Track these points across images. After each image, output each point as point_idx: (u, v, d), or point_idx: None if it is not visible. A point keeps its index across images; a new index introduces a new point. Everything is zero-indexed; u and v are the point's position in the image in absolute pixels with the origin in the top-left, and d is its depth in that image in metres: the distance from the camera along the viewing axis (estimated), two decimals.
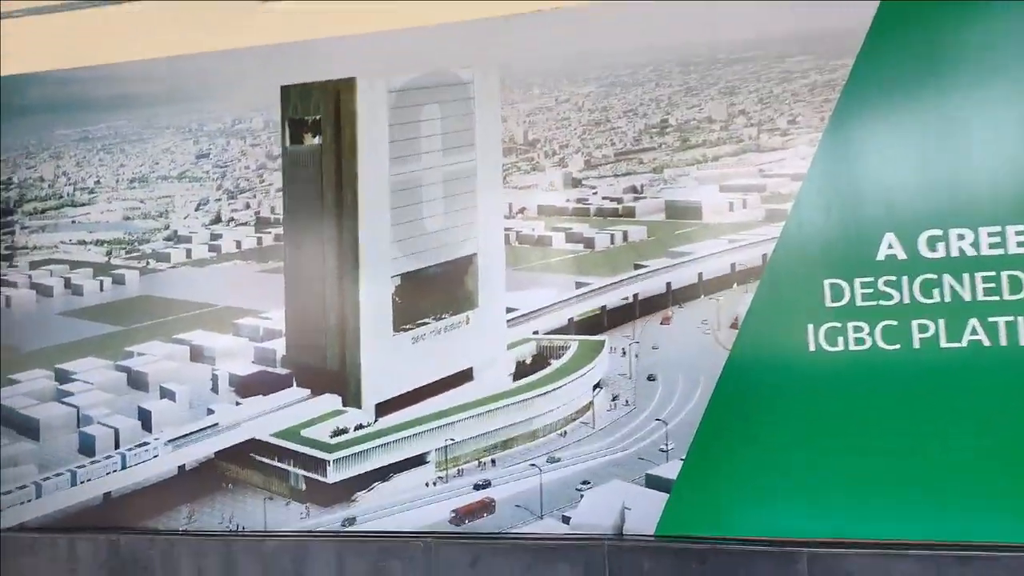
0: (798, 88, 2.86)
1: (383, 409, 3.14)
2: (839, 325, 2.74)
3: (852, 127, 2.77)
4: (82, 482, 3.34)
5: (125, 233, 3.57)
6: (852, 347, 2.73)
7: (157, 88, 3.53)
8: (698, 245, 2.93)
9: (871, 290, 2.72)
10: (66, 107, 3.63)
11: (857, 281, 2.73)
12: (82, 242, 3.62)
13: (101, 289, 3.55)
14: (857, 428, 2.70)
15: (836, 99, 2.78)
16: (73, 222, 3.64)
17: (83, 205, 3.63)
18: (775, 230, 2.81)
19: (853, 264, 2.73)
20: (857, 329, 2.73)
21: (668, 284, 2.94)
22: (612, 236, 3.04)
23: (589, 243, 3.06)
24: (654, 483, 2.85)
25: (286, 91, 3.30)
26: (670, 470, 2.83)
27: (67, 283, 3.59)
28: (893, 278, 2.71)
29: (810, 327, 2.76)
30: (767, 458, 2.76)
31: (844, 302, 2.74)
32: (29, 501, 3.38)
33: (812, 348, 2.75)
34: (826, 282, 2.76)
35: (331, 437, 3.15)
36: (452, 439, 3.06)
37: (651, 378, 2.92)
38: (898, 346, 2.69)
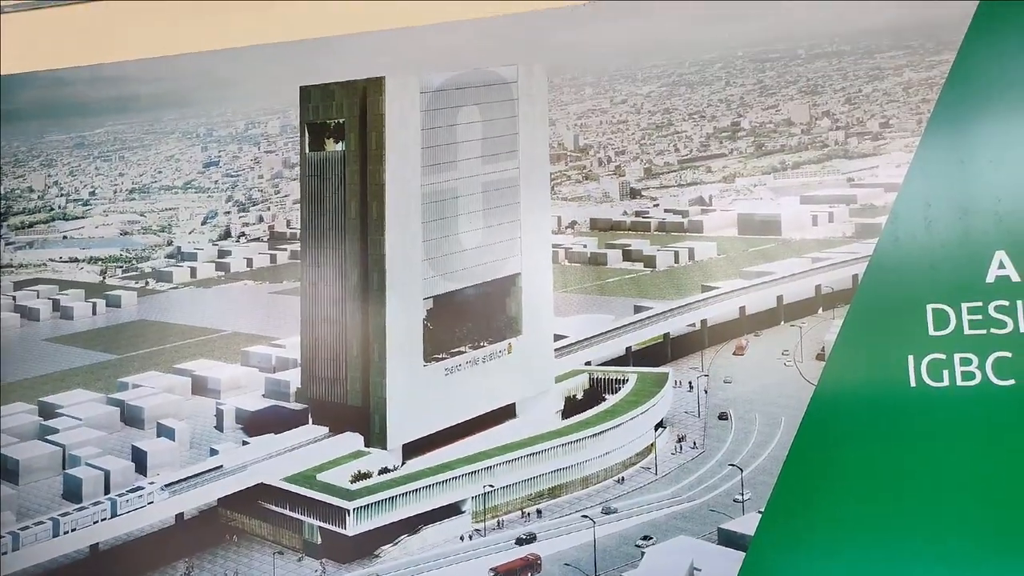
0: (891, 87, 2.63)
1: (411, 450, 2.89)
2: (944, 357, 2.47)
3: (955, 131, 2.53)
4: (66, 532, 3.06)
5: (122, 250, 3.37)
6: (959, 382, 2.45)
7: (161, 89, 3.34)
8: (777, 264, 2.70)
9: (980, 316, 2.46)
10: (60, 110, 3.44)
11: (964, 306, 2.47)
12: (74, 260, 3.41)
13: (94, 312, 3.36)
14: (967, 476, 2.41)
15: (935, 99, 2.54)
16: (64, 237, 3.43)
17: (76, 218, 3.42)
18: (867, 248, 2.56)
19: (959, 287, 2.48)
20: (965, 361, 2.45)
21: (742, 308, 2.72)
22: (676, 254, 2.83)
23: (650, 262, 2.87)
24: (727, 539, 2.59)
25: (306, 92, 3.10)
26: (746, 524, 2.56)
27: (55, 305, 3.40)
28: (1005, 303, 2.45)
29: (910, 359, 2.49)
30: (860, 510, 2.48)
31: (950, 330, 2.47)
32: (5, 553, 3.09)
33: (912, 383, 2.48)
34: (928, 307, 2.49)
35: (352, 482, 2.90)
36: (491, 485, 2.79)
37: (723, 416, 2.68)
38: (1012, 381, 2.42)
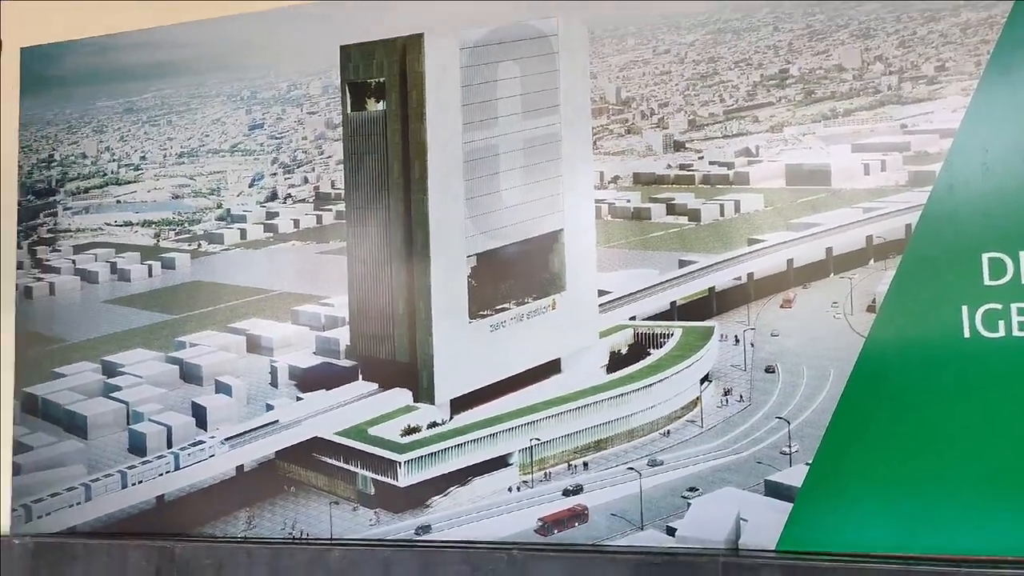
0: (947, 28, 2.52)
1: (459, 405, 2.94)
2: (1000, 307, 2.42)
3: (1016, 72, 2.43)
4: (133, 484, 3.22)
5: (174, 213, 3.44)
6: (1016, 332, 2.40)
7: (204, 53, 3.37)
8: (826, 215, 2.64)
9: None
10: (108, 76, 3.50)
11: (1022, 254, 2.41)
12: (128, 223, 3.49)
13: (150, 274, 3.43)
14: (1022, 427, 2.37)
15: (995, 40, 2.44)
16: (118, 202, 3.52)
17: (128, 183, 3.51)
18: (921, 196, 2.50)
19: (1017, 235, 2.41)
20: (1022, 311, 2.40)
21: (789, 261, 2.67)
22: (722, 207, 2.77)
23: (694, 215, 2.81)
24: (775, 491, 2.59)
25: (346, 52, 3.10)
26: (794, 476, 2.56)
27: (113, 268, 3.48)
28: None
29: (964, 309, 2.44)
30: (910, 464, 2.47)
31: (1006, 279, 2.42)
32: (78, 504, 3.27)
33: (967, 334, 2.44)
34: (984, 256, 2.44)
35: (402, 436, 2.97)
36: (538, 439, 2.84)
37: (769, 370, 2.65)
38: None
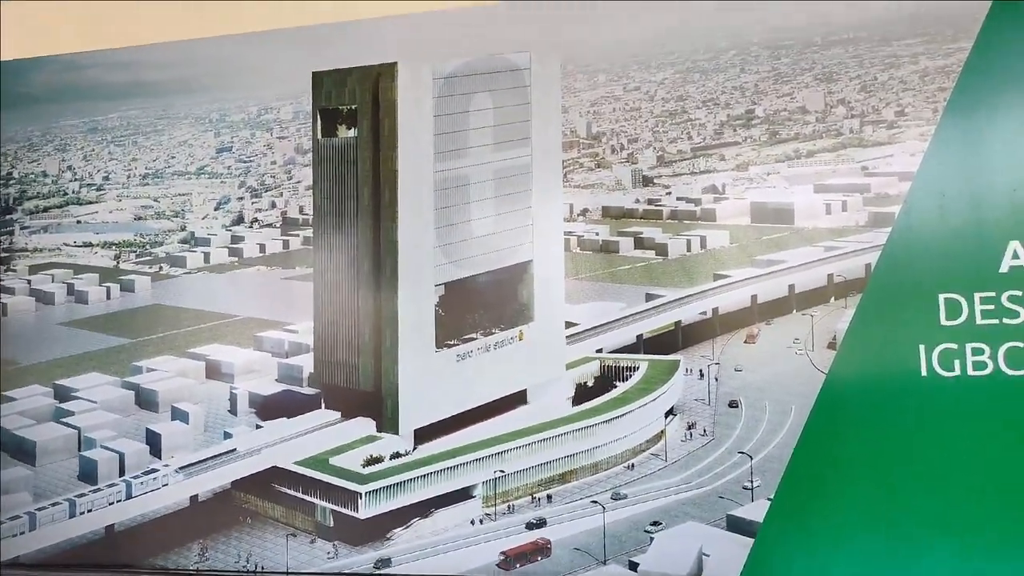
0: (907, 75, 2.63)
1: (423, 435, 2.93)
2: (955, 347, 2.49)
3: (971, 119, 2.53)
4: (82, 513, 3.12)
5: (136, 235, 3.40)
6: (971, 372, 2.47)
7: (174, 75, 3.36)
8: (789, 253, 2.71)
9: (993, 306, 2.47)
10: (73, 95, 3.46)
11: (977, 296, 2.49)
12: (88, 244, 3.44)
13: (108, 297, 3.39)
14: (977, 466, 2.43)
15: (951, 87, 2.54)
16: (78, 222, 3.46)
17: (90, 203, 3.45)
18: (880, 236, 2.58)
19: (973, 276, 2.49)
20: (977, 351, 2.47)
21: (754, 297, 2.72)
22: (688, 242, 2.83)
23: (662, 250, 2.86)
24: (736, 526, 2.61)
25: (318, 78, 3.12)
26: (755, 511, 2.59)
27: (70, 289, 3.43)
28: (1019, 293, 2.46)
29: (922, 348, 2.51)
30: (870, 500, 2.51)
31: (962, 320, 2.49)
32: (23, 533, 3.15)
33: (924, 372, 2.50)
34: (941, 297, 2.51)
35: (364, 467, 2.94)
36: (502, 471, 2.83)
37: (733, 404, 2.70)
38: None
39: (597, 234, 2.91)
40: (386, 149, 2.99)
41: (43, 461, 3.22)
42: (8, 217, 3.51)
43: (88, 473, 3.15)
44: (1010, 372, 2.44)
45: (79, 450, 3.19)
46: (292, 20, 3.18)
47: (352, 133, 3.06)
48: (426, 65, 2.98)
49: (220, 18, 3.26)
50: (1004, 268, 2.47)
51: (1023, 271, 2.45)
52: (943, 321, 2.50)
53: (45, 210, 3.49)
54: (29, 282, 3.45)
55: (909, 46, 2.64)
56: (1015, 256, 2.47)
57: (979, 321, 2.47)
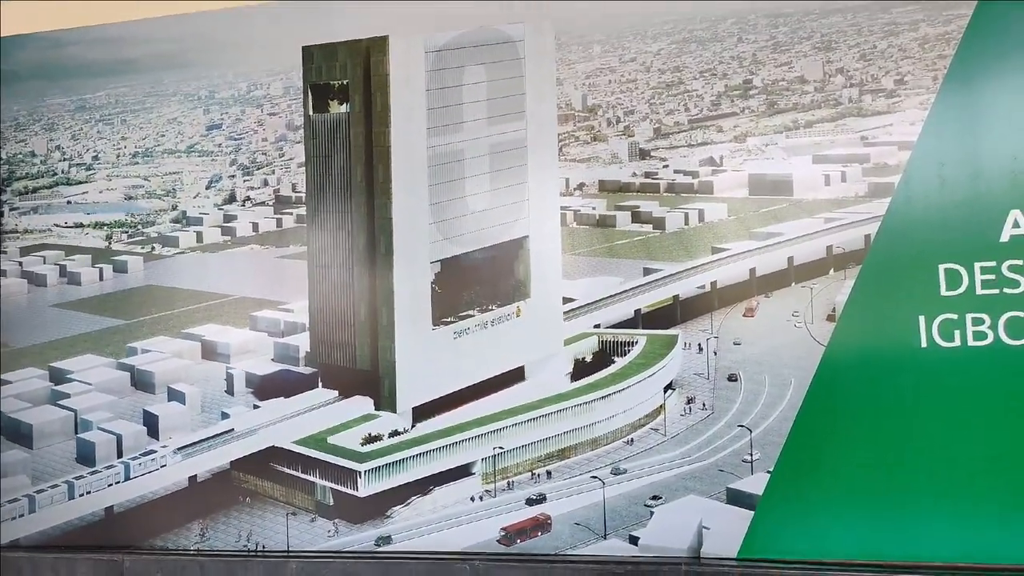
0: (906, 43, 2.60)
1: (421, 413, 2.93)
2: (955, 317, 2.48)
3: (971, 87, 2.51)
4: (81, 495, 3.14)
5: (127, 214, 3.38)
6: (971, 342, 2.47)
7: (162, 51, 3.32)
8: (788, 225, 2.70)
9: (993, 276, 2.47)
10: (61, 73, 3.43)
11: (977, 266, 2.48)
12: (79, 225, 3.42)
13: (101, 278, 3.37)
14: (977, 436, 2.44)
15: (952, 55, 2.51)
16: (69, 202, 3.44)
17: (80, 183, 3.43)
18: (880, 207, 2.57)
19: (973, 246, 2.48)
20: (977, 321, 2.47)
21: (752, 270, 2.72)
22: (686, 215, 2.82)
23: (659, 223, 2.85)
24: (736, 499, 2.63)
25: (308, 52, 3.08)
26: (755, 484, 2.60)
27: (62, 271, 3.41)
28: (1019, 262, 2.45)
29: (921, 319, 2.50)
30: (869, 471, 2.52)
31: (961, 290, 2.48)
32: (21, 516, 3.17)
33: (924, 343, 2.50)
34: (941, 267, 2.50)
35: (362, 445, 2.94)
36: (501, 447, 2.84)
37: (732, 378, 2.70)
38: None
39: (594, 208, 2.90)
40: (379, 125, 2.96)
41: (40, 444, 3.23)
42: None
43: (86, 455, 3.17)
44: (1010, 342, 2.44)
45: (76, 432, 3.20)
46: None
47: (344, 108, 3.03)
48: (418, 38, 2.94)
49: None
50: (1004, 237, 2.46)
51: (1023, 240, 2.44)
52: (943, 291, 2.49)
53: (34, 191, 3.47)
54: (20, 264, 3.43)
55: (908, 12, 2.60)
56: (1016, 225, 2.45)
57: (979, 291, 2.47)
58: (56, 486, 3.16)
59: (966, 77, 2.50)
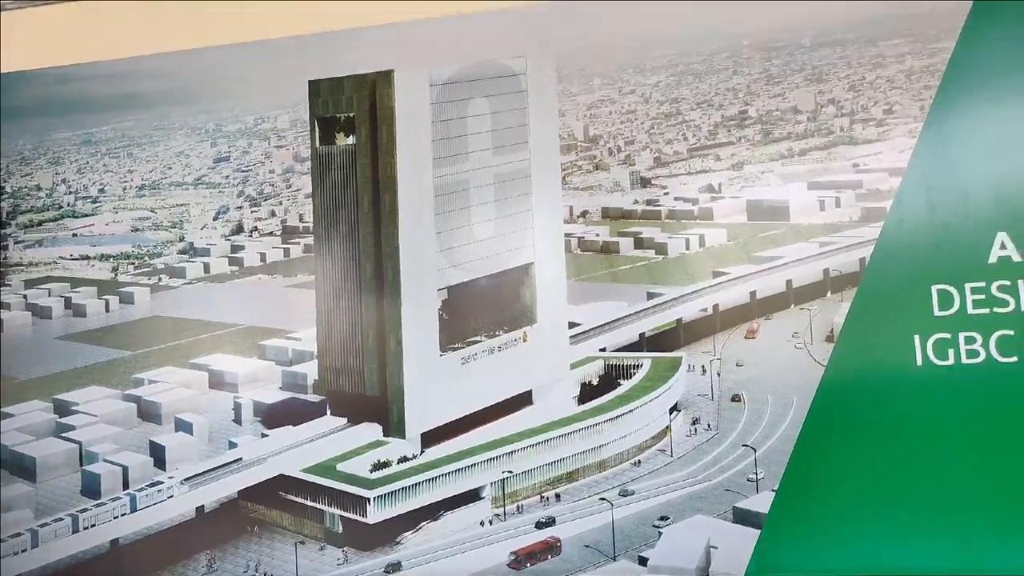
0: (893, 74, 2.74)
1: (430, 439, 2.98)
2: (949, 336, 2.58)
3: (956, 116, 2.64)
4: (85, 528, 3.12)
5: (133, 246, 3.42)
6: (964, 360, 2.57)
7: (169, 86, 3.38)
8: (786, 249, 2.80)
9: (983, 296, 2.58)
10: (67, 108, 3.48)
11: (967, 286, 2.59)
12: (85, 257, 3.45)
13: (107, 309, 3.41)
14: (974, 451, 2.53)
15: (937, 86, 2.65)
16: (74, 235, 3.47)
17: (85, 216, 3.46)
18: (873, 231, 2.68)
19: (963, 267, 2.59)
20: (969, 340, 2.57)
21: (752, 293, 2.82)
22: (687, 241, 2.92)
23: (661, 249, 2.94)
24: (743, 518, 2.69)
25: (315, 86, 3.16)
26: (761, 503, 2.67)
27: (67, 303, 3.45)
28: (1007, 282, 2.56)
29: (916, 338, 2.60)
30: (871, 487, 2.59)
31: (954, 310, 2.59)
32: (24, 551, 3.14)
33: (919, 362, 2.59)
34: (933, 288, 2.61)
35: (371, 471, 2.98)
36: (510, 471, 2.89)
37: (736, 399, 2.78)
38: (1015, 359, 2.54)
39: (597, 235, 2.99)
40: (385, 156, 3.04)
41: (44, 477, 3.22)
42: (1, 232, 3.51)
43: (91, 487, 3.16)
44: (1002, 359, 2.54)
45: (81, 464, 3.20)
46: (287, 29, 3.23)
47: (350, 140, 3.11)
48: (423, 71, 3.04)
49: (213, 28, 3.30)
50: (992, 259, 2.57)
51: (1010, 261, 2.56)
52: (936, 312, 2.60)
53: (40, 224, 3.49)
54: (25, 296, 3.45)
55: (895, 46, 2.75)
56: (1002, 247, 2.57)
57: (971, 311, 2.58)
58: (60, 519, 3.14)
59: (951, 106, 2.64)
